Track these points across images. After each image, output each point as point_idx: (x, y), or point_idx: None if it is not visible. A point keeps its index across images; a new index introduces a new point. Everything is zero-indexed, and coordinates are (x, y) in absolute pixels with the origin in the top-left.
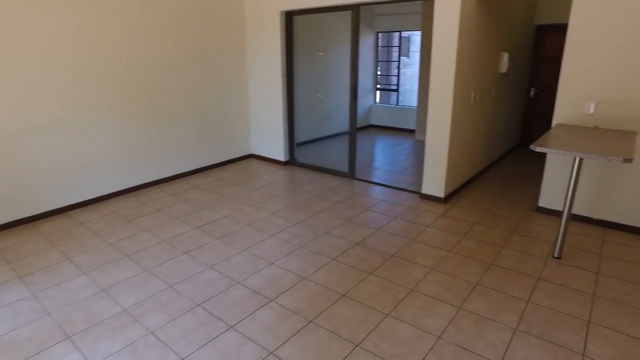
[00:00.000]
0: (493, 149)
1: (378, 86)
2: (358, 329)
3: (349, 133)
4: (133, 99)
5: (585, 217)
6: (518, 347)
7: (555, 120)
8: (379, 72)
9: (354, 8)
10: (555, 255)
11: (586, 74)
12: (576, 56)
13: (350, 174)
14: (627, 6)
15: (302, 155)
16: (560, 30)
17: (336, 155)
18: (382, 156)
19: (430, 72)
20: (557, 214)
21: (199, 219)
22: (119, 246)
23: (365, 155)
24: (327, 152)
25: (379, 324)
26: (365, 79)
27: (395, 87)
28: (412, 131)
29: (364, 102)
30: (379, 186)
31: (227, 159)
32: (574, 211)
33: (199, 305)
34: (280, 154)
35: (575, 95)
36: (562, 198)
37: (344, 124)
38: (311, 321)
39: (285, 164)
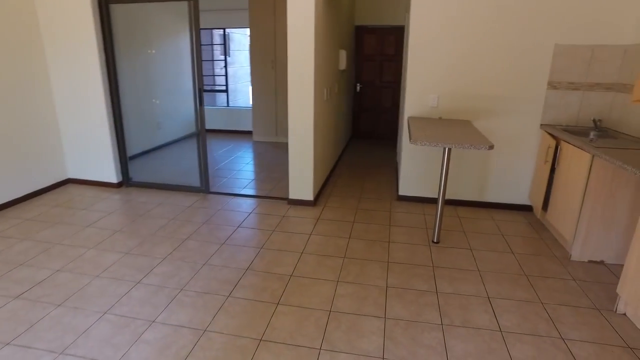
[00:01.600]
0: (339, 144)
1: (204, 88)
2: None
3: (197, 141)
4: None
5: (435, 198)
6: (453, 342)
7: (407, 113)
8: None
9: None
10: (435, 240)
11: (428, 71)
12: (418, 55)
13: (204, 189)
14: (456, 13)
15: (137, 173)
16: (375, 32)
17: (177, 167)
18: (226, 163)
19: (288, 71)
20: (417, 200)
21: (16, 282)
22: None
23: (208, 163)
24: (164, 165)
25: None
26: (189, 80)
27: (223, 88)
28: (248, 133)
29: (189, 105)
30: (241, 198)
31: (33, 190)
32: (427, 194)
33: None
34: (111, 174)
35: (421, 90)
36: (418, 185)
37: (175, 132)
38: None
39: (118, 185)
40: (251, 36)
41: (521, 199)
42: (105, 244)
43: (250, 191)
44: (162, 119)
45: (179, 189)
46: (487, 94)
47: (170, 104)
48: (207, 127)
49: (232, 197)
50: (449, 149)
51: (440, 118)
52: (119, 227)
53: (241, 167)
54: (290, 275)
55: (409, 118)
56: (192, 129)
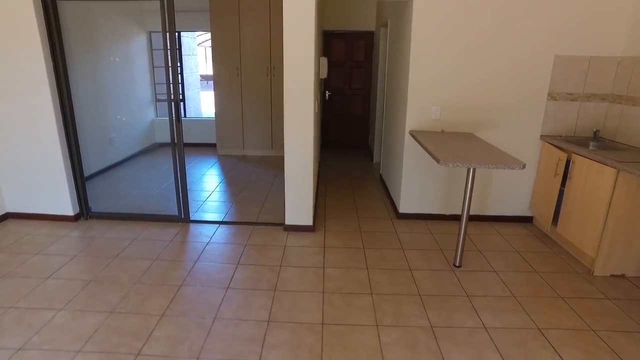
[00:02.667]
0: (318, 156)
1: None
2: None
3: (174, 163)
4: None
5: (437, 214)
6: None
7: (408, 127)
8: (163, 80)
9: None
10: (457, 264)
11: (430, 82)
12: (420, 66)
13: (184, 217)
14: (458, 24)
15: (96, 200)
16: (344, 37)
17: (142, 190)
18: (197, 182)
19: (285, 80)
20: (418, 217)
21: None
22: None
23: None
24: (126, 188)
25: None
26: (142, 89)
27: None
28: (211, 145)
29: (144, 117)
30: (228, 226)
31: None
32: (429, 211)
33: None
34: (66, 205)
35: (423, 102)
36: (419, 202)
37: (129, 147)
38: None
39: (76, 218)
40: (213, 40)
41: (521, 210)
42: (79, 302)
43: (236, 216)
44: (116, 133)
45: (153, 219)
46: (488, 105)
47: (124, 115)
48: (164, 140)
49: (218, 225)
50: (474, 169)
51: (442, 131)
52: (91, 275)
53: (215, 187)
54: (322, 324)
55: (413, 132)
56: (147, 142)
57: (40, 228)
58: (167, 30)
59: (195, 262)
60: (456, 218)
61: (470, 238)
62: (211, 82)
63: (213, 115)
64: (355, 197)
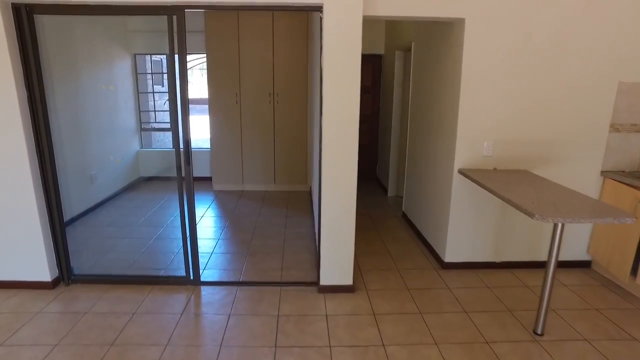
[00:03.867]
0: None
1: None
2: None
3: (183, 213)
4: None
5: (487, 262)
6: None
7: (456, 165)
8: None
9: (178, 11)
10: (539, 331)
11: (482, 114)
12: (471, 97)
13: (193, 279)
14: (513, 50)
15: (79, 257)
16: (369, 60)
17: (134, 241)
18: (199, 226)
19: (324, 113)
20: (467, 266)
21: None
22: None
23: (170, 228)
24: (114, 238)
25: None
26: (126, 117)
27: (168, 126)
28: (205, 180)
29: (127, 148)
30: (249, 288)
31: None
32: (479, 259)
33: None
34: (42, 269)
35: (474, 137)
36: (468, 249)
37: (112, 184)
38: None
39: (55, 284)
40: (209, 63)
41: (579, 254)
42: None
43: (255, 274)
44: (97, 169)
45: (153, 282)
46: (545, 139)
47: (106, 148)
48: (149, 174)
49: (237, 287)
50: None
51: (494, 169)
52: None
53: (221, 232)
54: None
55: (463, 171)
56: (131, 177)
57: (6, 301)
58: (177, 52)
59: (220, 346)
60: (508, 266)
61: (533, 291)
62: (199, 106)
63: (205, 144)
64: (385, 240)
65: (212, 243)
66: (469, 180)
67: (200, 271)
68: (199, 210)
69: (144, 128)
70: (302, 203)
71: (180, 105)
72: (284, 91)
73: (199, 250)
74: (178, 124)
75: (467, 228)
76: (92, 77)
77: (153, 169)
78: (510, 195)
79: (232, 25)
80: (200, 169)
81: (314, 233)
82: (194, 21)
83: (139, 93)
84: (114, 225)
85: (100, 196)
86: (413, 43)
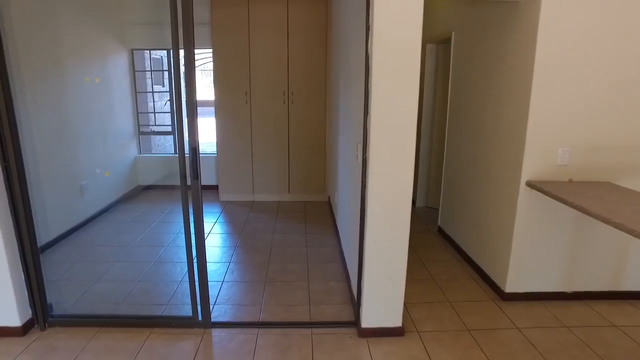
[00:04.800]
0: None
1: (148, 129)
2: None
3: (189, 242)
4: None
5: (556, 292)
6: None
7: (524, 177)
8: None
9: None
10: None
11: (558, 117)
12: (546, 96)
13: (200, 320)
14: (602, 33)
15: (60, 290)
16: None
17: (129, 266)
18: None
19: (373, 111)
20: (532, 297)
21: None
22: None
23: (173, 248)
24: (104, 263)
25: None
26: (123, 120)
27: (169, 129)
28: (211, 188)
29: (124, 154)
30: (271, 330)
31: None
32: (547, 288)
33: None
34: (9, 311)
35: (546, 143)
36: (534, 276)
37: (105, 196)
38: None
39: (26, 329)
40: (215, 60)
41: None
42: None
43: (277, 310)
44: (89, 179)
45: (151, 324)
46: (632, 145)
47: (99, 155)
48: (147, 182)
49: (258, 330)
50: None
51: (570, 180)
52: None
53: (232, 253)
54: None
55: (533, 184)
56: (129, 186)
57: None
58: (183, 46)
59: None
60: (581, 297)
61: (628, 334)
62: (203, 108)
63: (211, 149)
64: (425, 262)
65: (222, 268)
66: (538, 195)
67: (211, 307)
68: (205, 225)
69: (143, 132)
70: (322, 216)
71: (186, 107)
72: (300, 90)
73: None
74: (183, 128)
75: (535, 252)
76: (82, 74)
77: (153, 176)
78: (620, 219)
79: (242, 15)
80: (205, 177)
81: (341, 253)
82: (199, 12)
83: (137, 93)
84: (106, 244)
85: (92, 210)
86: (453, 33)
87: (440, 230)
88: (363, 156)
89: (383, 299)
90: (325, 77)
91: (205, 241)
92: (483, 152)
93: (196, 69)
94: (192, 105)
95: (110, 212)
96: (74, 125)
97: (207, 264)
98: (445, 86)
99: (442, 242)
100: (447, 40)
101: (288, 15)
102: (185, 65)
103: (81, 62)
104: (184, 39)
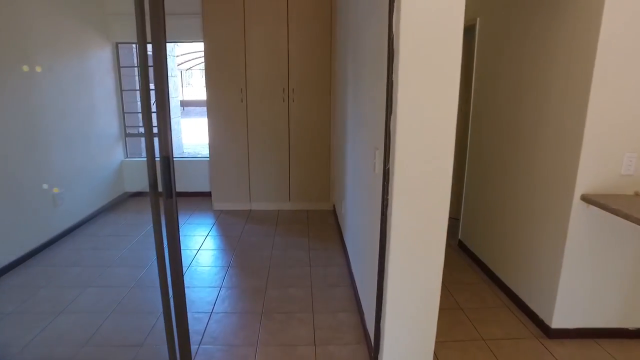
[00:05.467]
0: None
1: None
2: None
3: (165, 272)
4: None
5: (615, 329)
6: None
7: (579, 189)
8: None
9: None
10: None
11: (624, 115)
12: (610, 88)
13: None
14: None
15: (13, 330)
16: None
17: (102, 294)
18: (193, 268)
19: (399, 110)
20: (582, 333)
21: None
22: None
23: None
24: (74, 288)
25: None
26: (107, 120)
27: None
28: (203, 195)
29: (108, 158)
30: None
31: None
32: (594, 324)
33: None
34: None
35: (609, 150)
36: (585, 309)
37: (86, 205)
38: None
39: None
40: (207, 53)
41: None
42: None
43: (276, 355)
44: (65, 186)
45: None
46: None
47: (79, 160)
48: (135, 188)
49: None
50: None
51: (636, 193)
52: None
53: (224, 275)
54: None
55: (593, 198)
56: (114, 193)
57: None
58: (152, 39)
59: None
60: None
61: None
62: (189, 109)
63: (207, 152)
64: (448, 286)
65: (212, 295)
66: (596, 211)
67: (195, 348)
68: (195, 240)
69: (130, 133)
70: (327, 227)
71: (156, 109)
72: (302, 86)
73: (193, 308)
74: (152, 134)
75: (589, 279)
76: (57, 70)
77: (141, 182)
78: None
79: (236, 3)
80: (197, 183)
81: (350, 275)
82: (189, 0)
83: (122, 91)
84: (79, 264)
85: (67, 222)
86: (478, 20)
87: (461, 244)
88: (384, 166)
89: (409, 344)
90: (330, 71)
91: (194, 259)
92: (520, 158)
93: (195, 68)
94: (164, 107)
95: (90, 223)
96: (48, 127)
97: (195, 288)
98: (467, 80)
99: (464, 259)
100: (470, 29)
101: (288, 3)
102: (155, 62)
103: (55, 57)
104: (153, 29)
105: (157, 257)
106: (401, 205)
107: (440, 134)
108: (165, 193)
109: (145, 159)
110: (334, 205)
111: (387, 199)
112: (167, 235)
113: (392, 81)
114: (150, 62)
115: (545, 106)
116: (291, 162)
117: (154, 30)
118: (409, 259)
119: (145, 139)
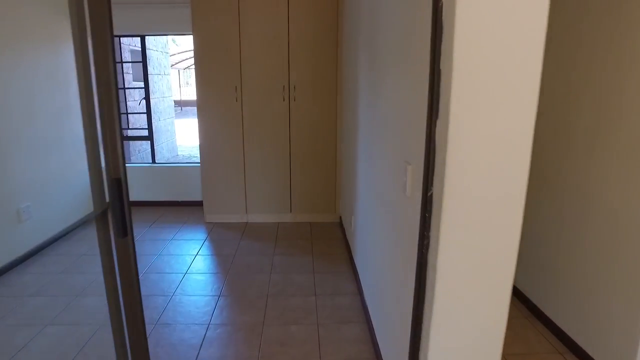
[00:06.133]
0: None
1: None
2: None
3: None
4: None
5: None
6: None
7: None
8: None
9: None
10: None
11: None
12: None
13: None
14: None
15: None
16: None
17: (61, 334)
18: (179, 298)
19: (452, 111)
20: None
21: None
22: None
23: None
24: (31, 326)
25: None
26: (85, 123)
27: (145, 133)
28: (194, 205)
29: (82, 167)
30: None
31: None
32: None
33: None
34: None
35: None
36: None
37: (55, 220)
38: None
39: None
40: (197, 48)
41: None
42: None
43: None
44: (32, 200)
45: None
46: None
47: (49, 169)
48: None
49: None
50: None
51: None
52: None
53: (214, 307)
54: None
55: None
56: (89, 206)
57: None
58: (91, 31)
59: None
60: None
61: None
62: (187, 109)
63: (196, 153)
64: None
65: (197, 335)
66: None
67: None
68: (182, 260)
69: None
70: (334, 244)
71: (99, 117)
72: (304, 83)
73: (174, 354)
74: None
75: None
76: (20, 66)
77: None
78: None
79: None
80: (188, 192)
81: (364, 307)
82: None
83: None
84: (42, 293)
85: (34, 241)
86: None
87: (522, 297)
88: (425, 190)
89: None
90: (335, 67)
91: (179, 286)
92: (585, 175)
93: (175, 67)
94: (112, 116)
95: (63, 240)
96: (9, 132)
97: (179, 325)
98: None
99: (521, 310)
100: None
101: None
102: (96, 61)
103: (19, 50)
104: (92, 20)
105: (111, 317)
106: (452, 247)
107: (513, 146)
108: (116, 230)
109: (132, 165)
110: (340, 217)
111: (427, 236)
112: (122, 292)
113: (438, 70)
114: (132, 59)
115: (625, 110)
116: (292, 169)
117: (94, 22)
118: (460, 323)
119: (87, 156)
